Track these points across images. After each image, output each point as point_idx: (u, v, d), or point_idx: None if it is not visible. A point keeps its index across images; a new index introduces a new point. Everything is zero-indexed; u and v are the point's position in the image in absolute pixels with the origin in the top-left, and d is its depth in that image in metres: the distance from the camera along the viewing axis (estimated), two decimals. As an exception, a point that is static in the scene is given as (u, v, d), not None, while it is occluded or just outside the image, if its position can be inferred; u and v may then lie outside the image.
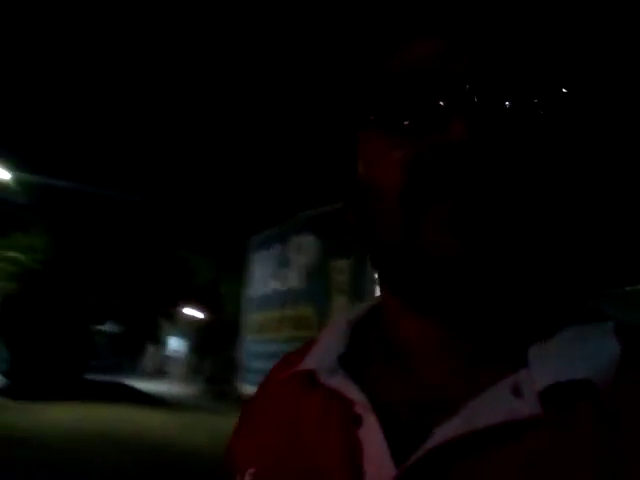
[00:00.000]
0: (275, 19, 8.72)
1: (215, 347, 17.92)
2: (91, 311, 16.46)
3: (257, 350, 9.82)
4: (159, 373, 27.66)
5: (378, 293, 0.66)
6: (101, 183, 12.98)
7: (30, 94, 11.51)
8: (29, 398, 12.53)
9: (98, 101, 11.76)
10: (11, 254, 14.08)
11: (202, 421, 11.68)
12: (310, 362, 0.65)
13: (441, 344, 0.58)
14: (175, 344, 27.02)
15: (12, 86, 11.02)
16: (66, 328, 15.71)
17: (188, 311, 20.52)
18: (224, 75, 10.36)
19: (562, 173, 0.55)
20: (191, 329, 22.22)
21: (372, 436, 0.56)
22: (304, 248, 9.06)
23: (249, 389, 9.16)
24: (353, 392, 0.59)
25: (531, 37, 0.55)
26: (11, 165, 11.57)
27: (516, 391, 0.53)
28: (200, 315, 19.96)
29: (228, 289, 14.34)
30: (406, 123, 0.55)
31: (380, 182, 0.56)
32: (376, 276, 0.62)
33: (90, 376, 17.85)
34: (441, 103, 0.53)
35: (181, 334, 24.92)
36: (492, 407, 0.53)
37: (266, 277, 10.19)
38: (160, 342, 26.16)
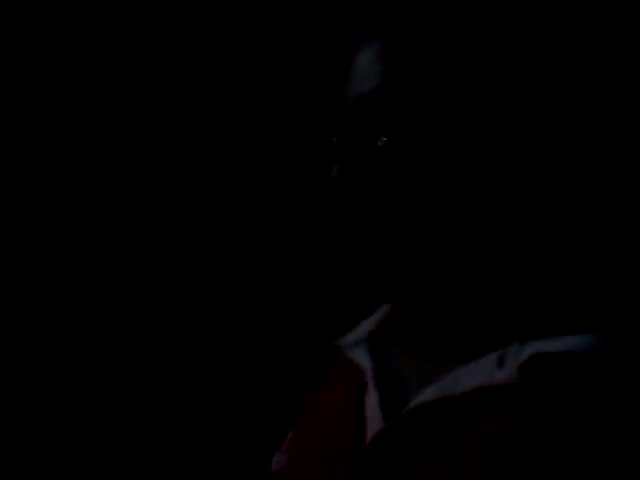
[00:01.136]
0: None
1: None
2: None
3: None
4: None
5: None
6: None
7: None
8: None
9: None
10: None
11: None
12: (344, 338, 0.71)
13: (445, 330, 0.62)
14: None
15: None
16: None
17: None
18: None
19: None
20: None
21: (372, 400, 0.62)
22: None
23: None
24: (365, 362, 0.65)
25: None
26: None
27: (500, 362, 0.55)
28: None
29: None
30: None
31: None
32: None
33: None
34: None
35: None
36: (472, 376, 0.56)
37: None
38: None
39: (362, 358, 0.66)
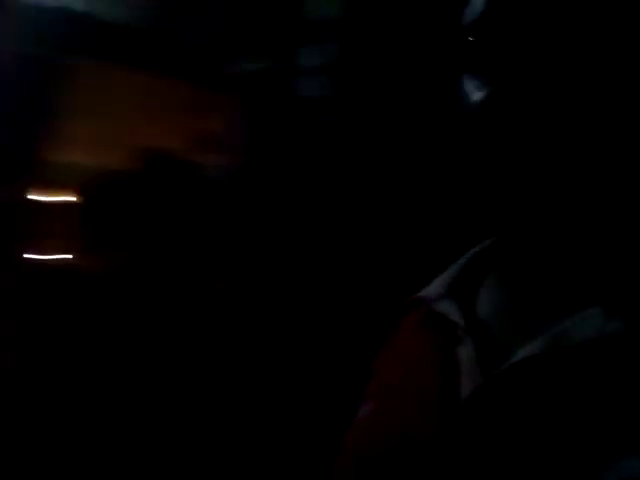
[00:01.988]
0: None
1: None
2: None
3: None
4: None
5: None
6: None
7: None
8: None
9: None
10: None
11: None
12: (425, 291, 0.72)
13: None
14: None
15: None
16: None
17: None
18: None
19: None
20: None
21: (466, 353, 0.62)
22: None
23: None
24: (453, 314, 0.66)
25: None
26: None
27: (610, 314, 0.55)
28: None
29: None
30: None
31: None
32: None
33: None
34: None
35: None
36: (582, 327, 0.55)
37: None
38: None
39: (450, 310, 0.66)
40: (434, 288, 0.70)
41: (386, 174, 2.47)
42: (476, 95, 0.58)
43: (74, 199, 3.47)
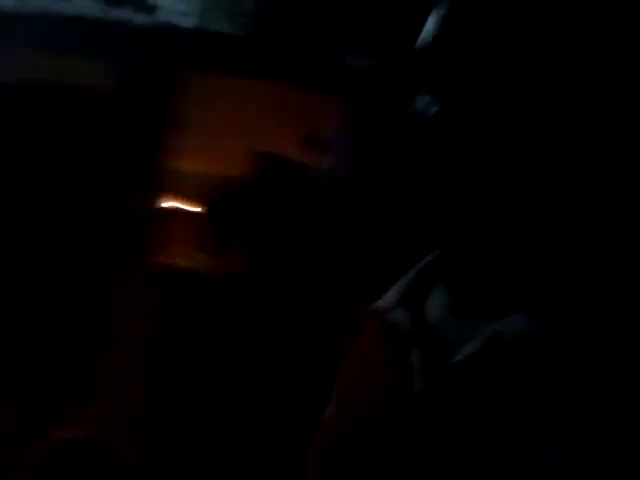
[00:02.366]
0: None
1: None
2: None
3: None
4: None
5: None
6: None
7: None
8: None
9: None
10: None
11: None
12: (381, 301, 0.77)
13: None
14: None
15: None
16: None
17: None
18: None
19: None
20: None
21: (416, 356, 0.69)
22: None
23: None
24: (405, 322, 0.72)
25: None
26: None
27: (533, 316, 0.64)
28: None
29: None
30: None
31: None
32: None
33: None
34: None
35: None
36: (510, 328, 0.64)
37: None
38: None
39: (402, 319, 0.72)
40: (389, 298, 0.77)
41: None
42: (428, 111, 0.66)
43: (199, 207, 3.63)
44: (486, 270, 0.68)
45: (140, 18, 2.87)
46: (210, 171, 3.64)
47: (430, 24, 0.68)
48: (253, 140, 3.15)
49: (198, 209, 3.69)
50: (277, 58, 2.98)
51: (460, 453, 0.62)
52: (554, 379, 0.60)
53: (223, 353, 2.83)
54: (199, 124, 3.13)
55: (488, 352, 0.63)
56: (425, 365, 0.67)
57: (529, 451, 0.57)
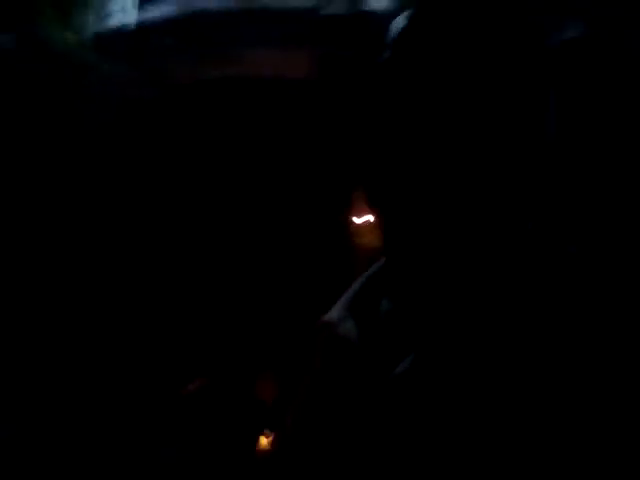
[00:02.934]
0: None
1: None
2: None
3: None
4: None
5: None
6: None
7: None
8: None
9: None
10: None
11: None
12: (329, 314, 0.81)
13: None
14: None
15: None
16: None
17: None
18: None
19: None
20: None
21: (364, 368, 0.73)
22: None
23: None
24: (353, 335, 0.75)
25: None
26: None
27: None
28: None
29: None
30: None
31: None
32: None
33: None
34: None
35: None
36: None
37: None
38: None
39: (349, 331, 0.76)
40: (337, 311, 0.79)
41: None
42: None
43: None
44: (427, 279, 0.71)
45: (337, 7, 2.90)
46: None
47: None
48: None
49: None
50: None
51: (404, 458, 0.68)
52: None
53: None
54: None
55: (419, 369, 0.68)
56: (370, 376, 0.72)
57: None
